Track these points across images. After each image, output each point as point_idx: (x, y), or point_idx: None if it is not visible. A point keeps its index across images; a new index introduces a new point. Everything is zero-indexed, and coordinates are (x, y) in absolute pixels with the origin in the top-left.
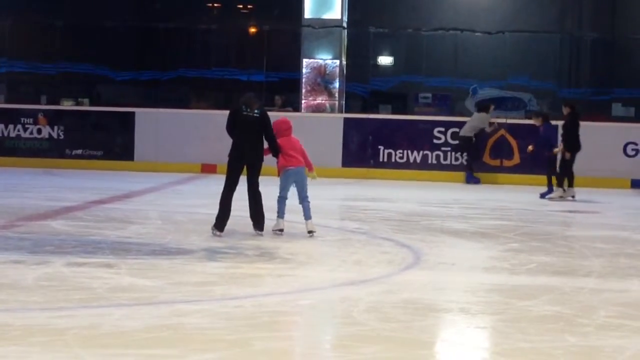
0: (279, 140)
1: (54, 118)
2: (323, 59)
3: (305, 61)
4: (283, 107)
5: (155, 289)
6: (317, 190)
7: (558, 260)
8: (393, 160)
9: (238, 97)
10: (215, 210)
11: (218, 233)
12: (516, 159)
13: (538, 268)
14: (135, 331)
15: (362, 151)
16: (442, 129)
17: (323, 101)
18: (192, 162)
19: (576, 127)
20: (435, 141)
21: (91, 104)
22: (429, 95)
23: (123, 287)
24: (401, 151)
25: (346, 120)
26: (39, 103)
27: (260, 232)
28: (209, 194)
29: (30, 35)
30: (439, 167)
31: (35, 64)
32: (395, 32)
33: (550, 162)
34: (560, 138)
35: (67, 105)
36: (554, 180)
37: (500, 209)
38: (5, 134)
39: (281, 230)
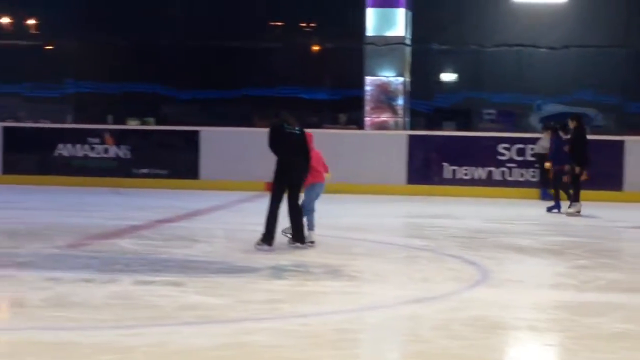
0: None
1: (120, 137)
2: (386, 76)
3: (368, 79)
4: (347, 125)
5: (222, 307)
6: (382, 207)
7: (627, 277)
8: (458, 177)
9: (304, 115)
10: (280, 228)
11: (267, 248)
12: (583, 175)
13: (606, 285)
14: (203, 349)
15: (426, 168)
16: (507, 145)
17: (387, 118)
18: (256, 180)
19: (583, 141)
20: (499, 157)
21: (156, 123)
22: (493, 111)
23: (190, 305)
24: (466, 168)
25: (410, 137)
26: (105, 123)
27: (300, 245)
28: None
29: (96, 56)
30: (504, 183)
31: (101, 85)
32: (459, 49)
33: (556, 176)
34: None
35: (133, 124)
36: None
37: (566, 225)
38: (73, 153)
39: (312, 242)
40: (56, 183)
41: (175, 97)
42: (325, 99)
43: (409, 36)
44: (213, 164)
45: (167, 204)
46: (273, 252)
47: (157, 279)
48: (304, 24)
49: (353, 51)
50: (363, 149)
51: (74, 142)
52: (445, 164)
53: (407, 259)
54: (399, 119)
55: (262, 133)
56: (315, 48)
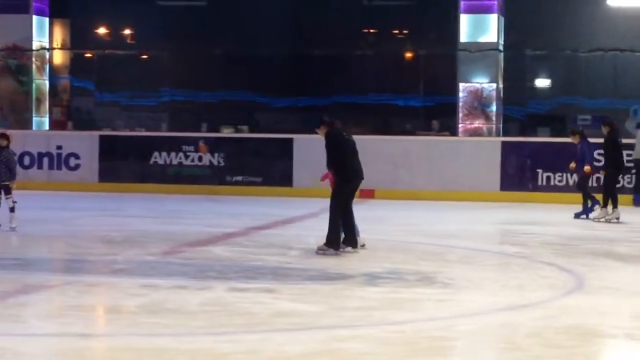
0: None
1: (214, 145)
2: (480, 83)
3: (461, 85)
4: (440, 132)
5: (315, 314)
6: (475, 214)
7: None
8: (552, 183)
9: (397, 122)
10: (377, 235)
11: (333, 252)
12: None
13: None
14: (296, 356)
15: (520, 174)
16: (602, 152)
17: (480, 125)
18: None
19: (616, 146)
20: (595, 163)
21: (250, 131)
22: (588, 117)
23: (284, 312)
24: (560, 174)
25: (504, 143)
26: (199, 131)
27: (352, 249)
28: (367, 219)
29: (190, 64)
30: (600, 189)
31: (195, 93)
32: (553, 54)
33: (584, 181)
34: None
35: (226, 132)
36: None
37: None
38: (168, 161)
39: (363, 245)
40: (151, 191)
41: (269, 104)
42: (418, 105)
43: (502, 42)
44: (307, 172)
45: (261, 211)
46: (335, 255)
47: (251, 286)
48: (396, 31)
49: (446, 58)
50: (456, 155)
51: (169, 150)
52: (539, 170)
53: (501, 266)
54: (492, 126)
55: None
56: (409, 55)
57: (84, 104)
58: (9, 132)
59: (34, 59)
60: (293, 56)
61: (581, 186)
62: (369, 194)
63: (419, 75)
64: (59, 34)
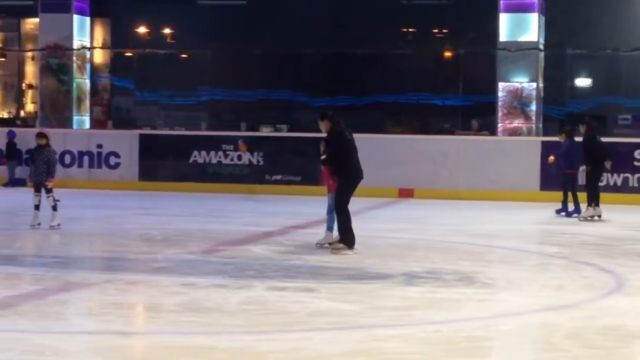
0: None
1: (253, 144)
2: (519, 82)
3: (501, 84)
4: (479, 131)
5: (354, 313)
6: (515, 214)
7: None
8: None
9: (436, 122)
10: (416, 234)
11: (351, 252)
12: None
13: None
14: (335, 355)
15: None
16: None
17: (520, 124)
18: (389, 186)
19: (594, 144)
20: (636, 163)
21: (289, 130)
22: (629, 116)
23: (323, 312)
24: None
25: (544, 143)
26: (238, 130)
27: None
28: (407, 219)
29: (230, 64)
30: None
31: (234, 92)
32: (593, 53)
33: (568, 179)
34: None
35: (266, 131)
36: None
37: None
38: (207, 160)
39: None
40: (190, 189)
41: (308, 103)
42: (457, 105)
43: (542, 41)
44: None
45: (300, 210)
46: (351, 255)
47: (290, 284)
48: (436, 30)
49: (486, 57)
50: (496, 155)
51: (208, 149)
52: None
53: (540, 266)
54: (532, 125)
55: (394, 139)
56: (448, 54)
57: (124, 103)
58: (46, 130)
59: (74, 58)
60: (332, 55)
61: (566, 185)
62: (408, 194)
63: (458, 75)
64: (100, 34)
